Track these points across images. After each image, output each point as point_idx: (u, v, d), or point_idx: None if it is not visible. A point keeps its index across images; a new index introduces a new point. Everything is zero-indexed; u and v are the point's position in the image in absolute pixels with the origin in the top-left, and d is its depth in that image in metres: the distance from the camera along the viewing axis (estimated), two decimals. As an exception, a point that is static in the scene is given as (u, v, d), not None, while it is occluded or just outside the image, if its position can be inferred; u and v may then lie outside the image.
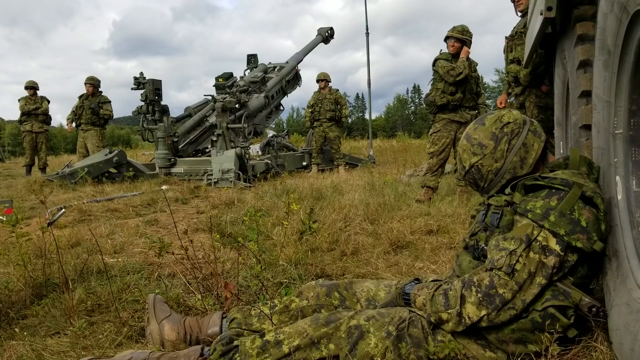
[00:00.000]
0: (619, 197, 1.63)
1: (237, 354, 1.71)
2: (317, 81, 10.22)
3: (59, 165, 10.52)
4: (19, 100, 10.62)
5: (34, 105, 10.55)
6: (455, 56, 5.73)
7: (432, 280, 1.96)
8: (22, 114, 10.56)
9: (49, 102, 10.85)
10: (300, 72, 12.00)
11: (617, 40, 1.54)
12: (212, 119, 9.63)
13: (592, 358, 1.63)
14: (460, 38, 5.68)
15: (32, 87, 10.58)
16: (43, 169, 10.77)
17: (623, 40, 1.51)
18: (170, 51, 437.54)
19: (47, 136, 10.95)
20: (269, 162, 9.00)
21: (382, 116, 78.89)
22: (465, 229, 3.66)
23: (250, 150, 8.98)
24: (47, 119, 10.83)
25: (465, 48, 5.70)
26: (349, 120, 52.74)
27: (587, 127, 2.22)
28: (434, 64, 5.85)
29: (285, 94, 11.55)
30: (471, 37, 5.75)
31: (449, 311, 1.66)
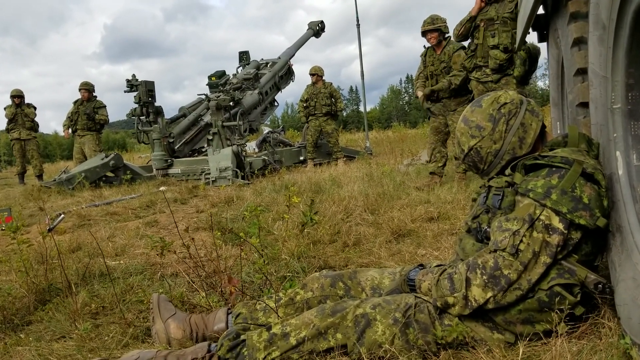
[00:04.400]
0: (620, 172, 1.62)
1: (245, 349, 1.71)
2: (310, 75, 10.18)
3: (56, 172, 10.49)
4: (4, 108, 10.55)
5: (22, 113, 10.49)
6: (437, 45, 5.95)
7: (436, 265, 1.95)
8: (9, 122, 10.49)
9: (35, 108, 10.79)
10: (292, 67, 11.97)
11: (612, 14, 1.53)
12: (207, 118, 9.61)
13: (600, 335, 1.62)
14: (433, 29, 5.88)
15: (18, 95, 10.52)
16: (39, 176, 10.72)
17: (617, 13, 1.49)
18: (163, 52, 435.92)
19: (36, 143, 10.86)
20: (266, 158, 8.98)
21: (377, 108, 78.85)
22: (465, 214, 3.65)
23: (246, 147, 8.97)
24: (34, 125, 10.74)
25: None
26: (344, 114, 52.72)
27: (584, 105, 2.21)
28: None
29: (279, 89, 11.51)
30: (443, 22, 5.89)
31: (454, 295, 1.65)
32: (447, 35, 5.96)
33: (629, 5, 1.44)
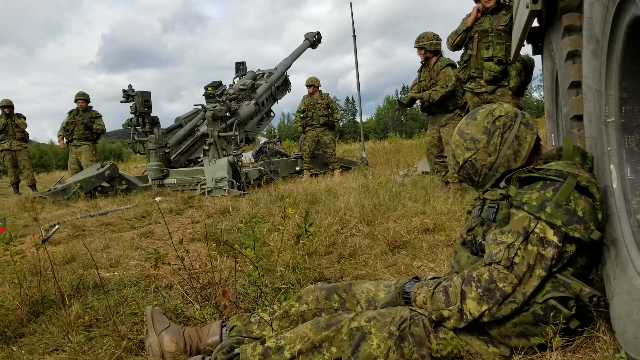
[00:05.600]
0: (614, 185, 1.63)
1: (239, 362, 1.69)
2: (307, 86, 10.22)
3: (51, 182, 10.46)
4: None
5: (13, 123, 10.47)
6: (427, 62, 6.10)
7: (431, 278, 1.95)
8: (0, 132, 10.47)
9: (25, 118, 10.78)
10: (289, 77, 12.00)
11: (605, 29, 1.54)
12: (203, 128, 9.61)
13: (595, 348, 1.62)
14: (418, 47, 6.04)
15: (8, 105, 10.50)
16: (32, 186, 10.70)
17: (611, 28, 1.50)
18: (161, 63, 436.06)
19: (27, 153, 10.85)
20: (262, 168, 8.97)
21: (373, 118, 78.95)
22: (461, 226, 3.65)
23: (242, 158, 8.96)
24: (25, 136, 10.73)
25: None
26: (340, 124, 52.88)
27: (579, 118, 2.22)
28: None
29: (275, 100, 11.53)
30: (429, 40, 6.01)
31: (449, 308, 1.65)
32: (439, 52, 6.03)
33: (622, 20, 1.45)
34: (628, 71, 1.53)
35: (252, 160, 11.14)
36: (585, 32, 1.74)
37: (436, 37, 6.00)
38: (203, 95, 10.52)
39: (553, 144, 3.40)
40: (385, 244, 3.46)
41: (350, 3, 12.79)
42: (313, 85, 10.08)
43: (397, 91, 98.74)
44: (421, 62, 6.15)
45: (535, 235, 1.62)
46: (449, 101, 5.92)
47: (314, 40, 12.56)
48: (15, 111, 10.64)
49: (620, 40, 1.49)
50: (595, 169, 1.80)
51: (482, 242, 1.79)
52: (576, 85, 2.24)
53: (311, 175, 9.83)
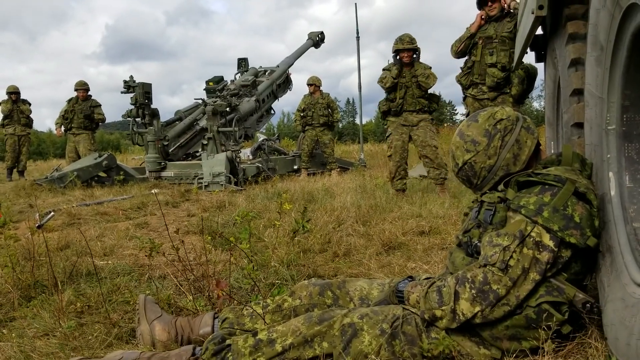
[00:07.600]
0: (612, 192, 1.63)
1: (230, 353, 1.69)
2: (308, 85, 10.22)
3: (48, 170, 10.45)
4: (0, 103, 10.65)
5: (18, 109, 10.56)
6: (409, 65, 5.83)
7: (425, 278, 1.95)
8: (4, 117, 10.55)
9: (30, 104, 10.85)
10: (291, 76, 12.00)
11: (610, 36, 1.54)
12: (203, 123, 9.60)
13: (586, 354, 1.62)
14: (412, 48, 5.79)
15: (14, 92, 10.55)
16: (22, 172, 10.76)
17: (616, 35, 1.51)
18: (163, 56, 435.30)
19: (29, 139, 10.95)
20: (260, 165, 8.97)
21: (373, 121, 78.91)
22: (456, 229, 3.66)
23: (241, 154, 8.96)
24: (29, 122, 10.84)
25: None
26: (340, 125, 52.83)
27: (579, 125, 2.23)
28: None
29: (276, 97, 11.54)
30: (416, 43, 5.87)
31: (442, 308, 1.65)
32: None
33: (628, 27, 1.45)
34: (631, 79, 1.53)
35: (250, 157, 11.14)
36: (590, 38, 1.75)
37: None
38: (204, 89, 10.52)
39: (552, 151, 3.41)
40: (380, 244, 3.46)
41: (355, 4, 12.81)
42: (314, 84, 10.08)
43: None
44: (405, 62, 5.82)
45: (531, 239, 1.62)
46: (429, 101, 5.87)
47: (317, 40, 12.56)
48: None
49: (624, 47, 1.49)
50: (594, 176, 1.80)
51: (478, 244, 1.79)
52: (578, 92, 2.24)
53: (309, 174, 9.83)
